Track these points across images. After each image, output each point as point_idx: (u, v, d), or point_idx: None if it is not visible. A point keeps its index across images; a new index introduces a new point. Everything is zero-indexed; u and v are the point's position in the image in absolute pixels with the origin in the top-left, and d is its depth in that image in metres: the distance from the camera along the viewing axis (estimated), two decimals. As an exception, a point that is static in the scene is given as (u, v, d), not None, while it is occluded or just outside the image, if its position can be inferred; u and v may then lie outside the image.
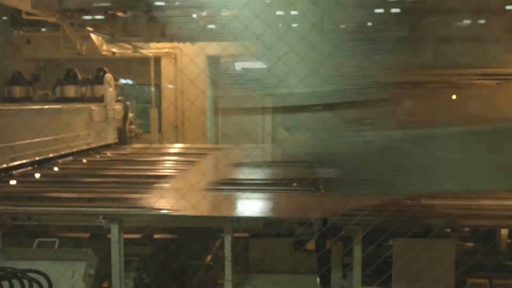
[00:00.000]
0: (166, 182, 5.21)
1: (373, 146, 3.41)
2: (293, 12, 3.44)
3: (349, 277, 4.04)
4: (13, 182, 5.27)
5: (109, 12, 6.51)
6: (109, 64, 8.89)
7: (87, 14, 6.53)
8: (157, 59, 11.15)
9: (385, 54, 3.37)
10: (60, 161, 6.55)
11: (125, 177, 5.56)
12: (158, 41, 9.91)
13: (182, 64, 10.69)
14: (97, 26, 7.28)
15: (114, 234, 4.05)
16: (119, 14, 6.57)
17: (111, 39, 8.06)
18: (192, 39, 8.37)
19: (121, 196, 4.55)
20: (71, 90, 8.23)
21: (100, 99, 8.21)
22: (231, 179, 5.41)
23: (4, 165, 5.50)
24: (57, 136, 6.49)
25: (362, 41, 3.35)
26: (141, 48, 9.73)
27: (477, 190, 3.78)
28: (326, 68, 3.35)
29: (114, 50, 9.53)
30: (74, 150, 7.03)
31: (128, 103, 8.97)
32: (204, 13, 3.44)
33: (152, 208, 4.16)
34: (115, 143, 8.48)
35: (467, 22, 3.98)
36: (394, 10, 3.52)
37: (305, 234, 4.21)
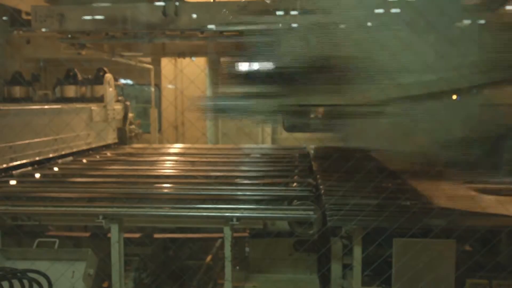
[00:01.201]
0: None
1: None
2: None
3: (349, 277, 4.03)
4: (13, 182, 5.27)
5: (110, 33, 6.58)
6: (109, 64, 8.88)
7: (87, 35, 6.59)
8: (157, 59, 11.14)
9: None
10: (60, 161, 6.54)
11: (125, 177, 5.55)
12: (159, 57, 9.97)
13: (182, 64, 10.67)
14: (98, 44, 7.37)
15: (114, 234, 4.05)
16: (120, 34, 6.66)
17: (111, 55, 8.12)
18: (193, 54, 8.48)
19: (121, 196, 4.54)
20: (71, 90, 8.22)
21: (100, 99, 8.20)
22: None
23: (4, 165, 5.50)
24: (57, 136, 6.49)
25: None
26: (142, 62, 9.78)
27: None
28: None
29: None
30: (74, 150, 7.03)
31: (128, 103, 8.96)
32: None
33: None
34: (115, 143, 8.49)
35: None
36: None
37: (305, 234, 4.21)
